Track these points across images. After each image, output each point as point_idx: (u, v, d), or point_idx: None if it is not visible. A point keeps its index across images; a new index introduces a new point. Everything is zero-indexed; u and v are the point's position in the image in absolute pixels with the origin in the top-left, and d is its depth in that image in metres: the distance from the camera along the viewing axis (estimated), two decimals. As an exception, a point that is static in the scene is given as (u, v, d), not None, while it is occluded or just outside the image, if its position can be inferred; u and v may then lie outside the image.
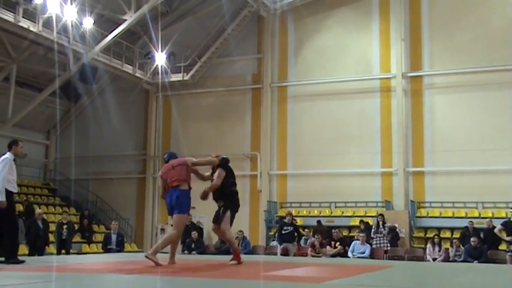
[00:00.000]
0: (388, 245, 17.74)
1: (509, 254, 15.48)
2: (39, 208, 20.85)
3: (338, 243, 17.38)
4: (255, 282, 6.91)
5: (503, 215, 19.27)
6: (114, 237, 17.76)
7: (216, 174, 9.35)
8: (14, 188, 8.85)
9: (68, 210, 22.64)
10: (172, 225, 9.33)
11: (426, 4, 22.95)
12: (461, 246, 17.46)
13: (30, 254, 16.13)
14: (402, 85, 22.54)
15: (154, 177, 25.87)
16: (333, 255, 16.79)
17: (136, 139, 27.35)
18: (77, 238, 20.92)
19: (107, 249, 17.48)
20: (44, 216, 17.49)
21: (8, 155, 8.96)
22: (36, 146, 27.69)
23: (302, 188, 23.73)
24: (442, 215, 21.44)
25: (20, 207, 20.78)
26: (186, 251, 18.82)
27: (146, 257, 8.63)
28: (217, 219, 9.33)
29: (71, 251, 17.73)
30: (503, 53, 21.44)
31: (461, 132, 21.60)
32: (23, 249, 16.74)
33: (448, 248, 17.87)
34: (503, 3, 22.00)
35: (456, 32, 22.37)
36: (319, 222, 20.92)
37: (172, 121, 26.60)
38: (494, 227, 17.26)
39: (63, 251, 16.89)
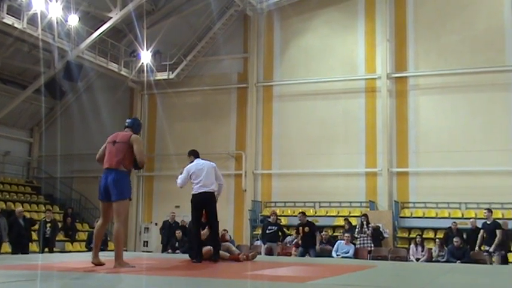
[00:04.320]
0: (372, 245, 17.84)
1: (485, 254, 15.83)
2: (22, 206, 20.68)
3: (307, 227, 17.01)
4: (239, 281, 6.90)
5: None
6: (98, 236, 17.65)
7: None
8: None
9: (51, 209, 22.51)
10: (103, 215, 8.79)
11: (412, 5, 23.04)
12: (444, 246, 17.55)
13: (13, 253, 16.03)
14: (387, 86, 22.62)
15: (139, 176, 25.74)
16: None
17: (120, 137, 27.08)
18: (60, 236, 20.79)
19: (90, 248, 17.37)
20: (27, 214, 17.37)
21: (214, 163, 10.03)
22: (19, 143, 27.55)
23: (287, 188, 23.77)
24: (425, 216, 21.57)
25: (2, 205, 20.63)
26: (169, 250, 18.74)
27: (117, 267, 8.25)
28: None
29: (54, 249, 17.63)
30: (489, 54, 21.59)
31: (446, 133, 21.74)
32: (6, 247, 16.63)
33: (431, 248, 17.96)
34: (489, 6, 22.14)
35: (441, 34, 22.49)
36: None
37: (158, 119, 26.51)
38: (478, 228, 17.38)
39: (46, 250, 16.79)
